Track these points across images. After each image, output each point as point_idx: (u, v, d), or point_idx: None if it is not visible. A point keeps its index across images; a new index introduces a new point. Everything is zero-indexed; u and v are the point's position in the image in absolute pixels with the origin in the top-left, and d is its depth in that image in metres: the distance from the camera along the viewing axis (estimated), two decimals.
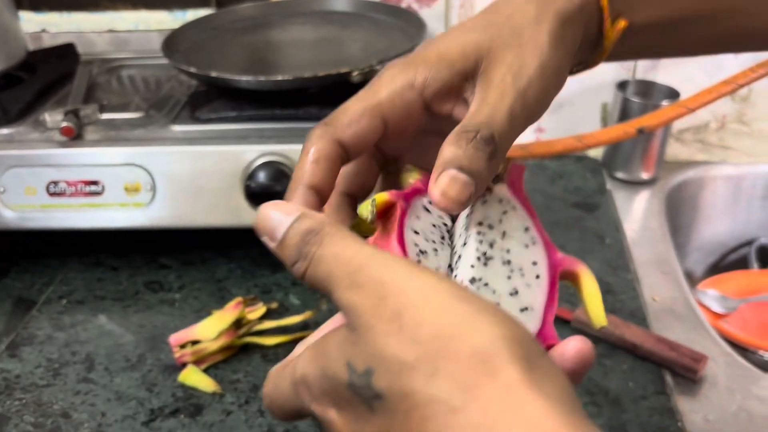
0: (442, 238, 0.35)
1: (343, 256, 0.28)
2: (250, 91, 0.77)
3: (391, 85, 0.36)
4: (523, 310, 0.33)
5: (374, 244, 0.33)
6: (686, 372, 0.64)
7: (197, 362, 0.65)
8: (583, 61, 0.42)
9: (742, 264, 1.03)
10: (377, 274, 0.27)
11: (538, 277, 0.34)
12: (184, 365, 0.65)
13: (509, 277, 0.33)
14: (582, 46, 0.39)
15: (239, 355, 0.67)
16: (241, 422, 0.60)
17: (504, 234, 0.34)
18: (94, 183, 0.74)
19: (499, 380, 0.23)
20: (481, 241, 0.34)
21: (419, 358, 0.24)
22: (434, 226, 0.36)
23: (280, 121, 0.77)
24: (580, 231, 0.85)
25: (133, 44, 1.04)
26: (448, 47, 0.36)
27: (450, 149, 0.32)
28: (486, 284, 0.32)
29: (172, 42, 0.87)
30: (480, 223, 0.34)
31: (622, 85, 0.94)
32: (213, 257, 0.81)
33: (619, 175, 0.95)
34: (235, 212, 0.74)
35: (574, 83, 0.51)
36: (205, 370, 0.65)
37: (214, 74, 0.76)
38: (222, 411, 0.61)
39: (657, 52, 0.49)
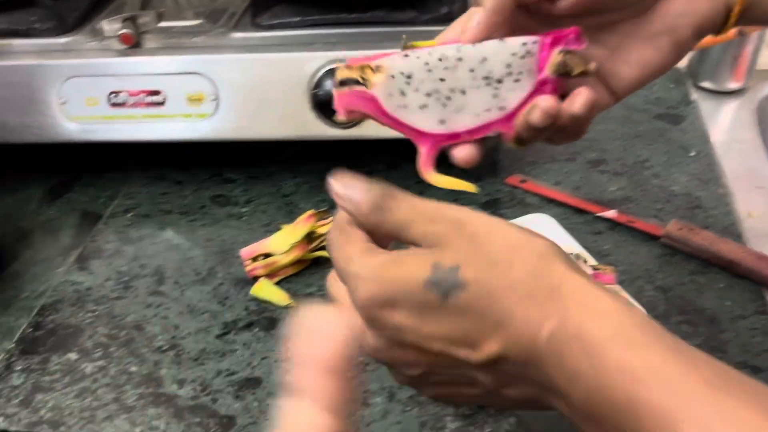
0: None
1: (418, 204, 0.33)
2: None
3: None
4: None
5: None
6: None
7: (269, 276, 0.63)
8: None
9: None
10: (450, 212, 0.32)
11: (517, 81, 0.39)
12: (255, 279, 0.63)
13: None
14: None
15: (311, 269, 0.65)
16: None
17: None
18: (156, 93, 0.71)
19: (558, 271, 0.30)
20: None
21: (499, 258, 0.30)
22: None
23: (346, 26, 0.72)
24: (665, 143, 0.79)
25: None
26: None
27: None
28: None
29: None
30: None
31: None
32: (279, 171, 0.78)
33: (706, 84, 0.88)
34: (301, 123, 0.70)
35: None
36: (277, 284, 0.63)
37: None
38: None
39: None
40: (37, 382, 0.56)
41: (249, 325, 0.60)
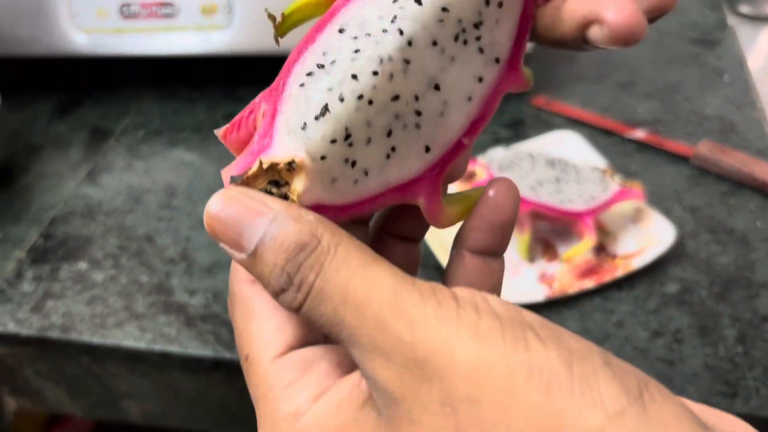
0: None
1: (358, 294, 0.18)
2: None
3: None
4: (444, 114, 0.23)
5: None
6: None
7: None
8: None
9: None
10: (420, 336, 0.17)
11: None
12: None
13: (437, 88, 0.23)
14: None
15: None
16: None
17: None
18: (168, 4, 0.69)
19: None
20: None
21: None
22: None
23: None
24: (698, 68, 0.76)
25: None
26: None
27: None
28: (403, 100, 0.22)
29: None
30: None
31: None
32: None
33: (743, 9, 0.84)
34: None
35: None
36: None
37: None
38: None
39: None
40: (48, 290, 0.55)
41: None
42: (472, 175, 0.57)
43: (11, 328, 0.53)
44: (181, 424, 0.59)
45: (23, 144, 0.71)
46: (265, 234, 0.19)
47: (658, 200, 0.59)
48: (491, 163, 0.57)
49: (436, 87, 0.23)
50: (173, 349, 0.51)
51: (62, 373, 0.57)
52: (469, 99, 0.23)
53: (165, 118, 0.74)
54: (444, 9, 0.22)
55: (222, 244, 0.20)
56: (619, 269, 0.52)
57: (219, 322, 0.52)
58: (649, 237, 0.54)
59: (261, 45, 0.69)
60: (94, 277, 0.56)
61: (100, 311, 0.53)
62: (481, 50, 0.23)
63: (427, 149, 0.23)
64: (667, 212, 0.57)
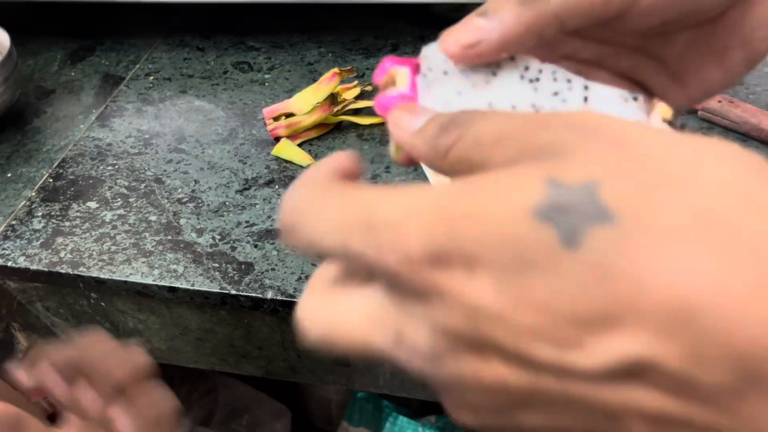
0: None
1: (503, 120, 0.19)
2: None
3: None
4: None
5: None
6: None
7: (291, 137, 0.62)
8: None
9: None
10: (576, 117, 0.18)
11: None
12: (277, 139, 0.62)
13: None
14: None
15: (334, 133, 0.64)
16: None
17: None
18: None
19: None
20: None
21: (677, 173, 0.16)
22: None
23: None
24: None
25: None
26: None
27: None
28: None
29: None
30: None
31: None
32: (302, 41, 0.76)
33: None
34: None
35: None
36: (300, 146, 0.62)
37: None
38: None
39: None
40: (57, 227, 0.56)
41: (269, 182, 0.59)
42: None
43: (21, 262, 0.54)
44: (188, 361, 0.60)
45: (35, 88, 0.72)
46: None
47: None
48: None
49: None
50: (180, 284, 0.52)
51: (71, 310, 0.58)
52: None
53: (175, 66, 0.74)
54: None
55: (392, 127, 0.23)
56: None
57: (226, 259, 0.52)
58: None
59: None
60: (103, 216, 0.57)
61: (109, 248, 0.54)
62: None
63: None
64: None
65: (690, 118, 0.62)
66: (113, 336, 0.59)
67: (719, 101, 0.61)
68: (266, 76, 0.71)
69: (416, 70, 0.25)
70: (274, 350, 0.56)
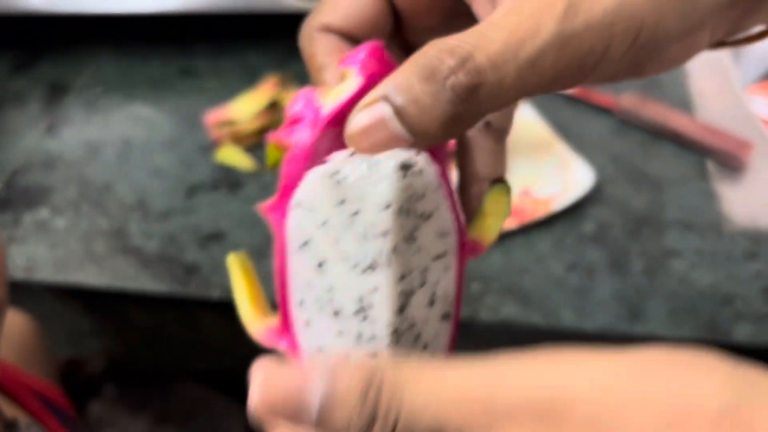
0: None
1: (451, 390, 0.18)
2: None
3: None
4: (445, 317, 0.25)
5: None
6: (730, 159, 0.62)
7: (235, 142, 0.65)
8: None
9: None
10: (534, 384, 0.18)
11: (446, 268, 0.25)
12: (220, 144, 0.65)
13: (431, 303, 0.24)
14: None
15: None
16: None
17: (419, 247, 0.23)
18: None
19: None
20: (399, 264, 0.22)
21: None
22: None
23: None
24: None
25: None
26: None
27: (408, 71, 0.20)
28: (412, 325, 0.23)
29: None
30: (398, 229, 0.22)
31: None
32: (247, 46, 0.79)
33: None
34: None
35: None
36: (244, 151, 0.65)
37: None
38: (261, 186, 0.62)
39: None
40: (11, 236, 0.59)
41: (214, 187, 0.62)
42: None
43: None
44: (141, 359, 0.63)
45: None
46: (327, 393, 0.19)
47: (583, 149, 0.64)
48: None
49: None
50: (131, 285, 0.55)
51: (29, 312, 0.61)
52: (418, 336, 0.24)
53: (121, 74, 0.76)
54: (425, 271, 0.23)
55: (279, 422, 0.20)
56: (540, 210, 0.57)
57: (173, 262, 0.56)
58: (570, 182, 0.59)
59: (215, 3, 0.72)
60: (56, 224, 0.60)
61: (62, 255, 0.57)
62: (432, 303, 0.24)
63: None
64: (590, 160, 0.63)
65: (607, 118, 0.67)
66: (69, 336, 0.62)
67: (632, 102, 0.66)
68: (210, 83, 0.74)
69: (365, 67, 0.23)
70: (224, 347, 0.60)
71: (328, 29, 0.25)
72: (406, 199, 0.21)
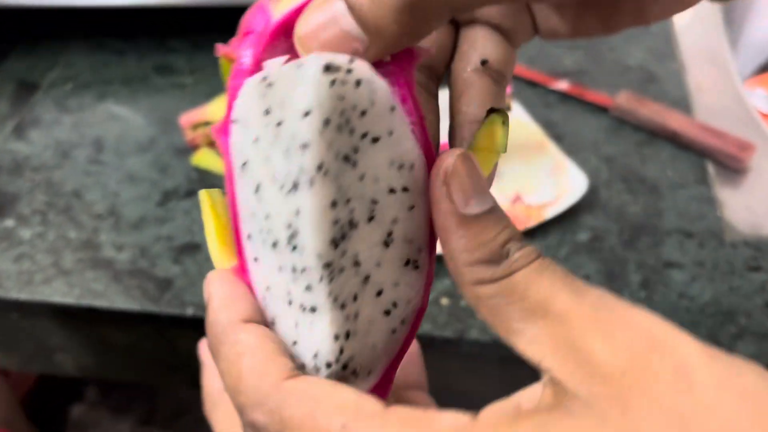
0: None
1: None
2: None
3: None
4: (408, 264, 0.22)
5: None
6: (730, 161, 0.59)
7: (211, 145, 0.62)
8: None
9: None
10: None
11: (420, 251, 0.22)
12: (197, 148, 0.62)
13: (385, 244, 0.21)
14: None
15: None
16: None
17: (363, 174, 0.20)
18: None
19: None
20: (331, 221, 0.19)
21: None
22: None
23: None
24: None
25: None
26: None
27: None
28: (355, 264, 0.21)
29: None
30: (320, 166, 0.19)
31: None
32: (226, 40, 0.75)
33: None
34: None
35: None
36: (220, 154, 0.62)
37: None
38: None
39: None
40: None
41: (189, 194, 0.59)
42: None
43: None
44: (116, 375, 0.60)
45: None
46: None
47: (576, 151, 0.61)
48: None
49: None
50: (101, 303, 0.52)
51: None
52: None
53: (94, 70, 0.73)
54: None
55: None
56: (533, 219, 0.54)
57: (145, 277, 0.53)
58: (563, 187, 0.56)
59: None
60: (22, 234, 0.56)
61: (28, 268, 0.54)
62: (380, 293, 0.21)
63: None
64: (584, 162, 0.60)
65: (602, 116, 0.64)
66: (39, 352, 0.59)
67: (628, 100, 0.63)
68: (187, 80, 0.71)
69: None
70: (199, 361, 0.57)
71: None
72: (337, 112, 0.18)
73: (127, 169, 0.62)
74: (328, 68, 0.18)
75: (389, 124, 0.20)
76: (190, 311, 0.50)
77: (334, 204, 0.19)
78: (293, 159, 0.19)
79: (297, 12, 0.20)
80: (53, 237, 0.56)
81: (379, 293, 0.21)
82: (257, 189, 0.20)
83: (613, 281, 0.52)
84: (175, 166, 0.61)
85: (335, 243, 0.19)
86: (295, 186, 0.19)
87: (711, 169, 0.60)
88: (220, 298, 0.21)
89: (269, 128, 0.19)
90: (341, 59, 0.18)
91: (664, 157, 0.61)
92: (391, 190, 0.20)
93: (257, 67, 0.20)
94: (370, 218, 0.20)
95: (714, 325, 0.49)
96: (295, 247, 0.20)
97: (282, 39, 0.21)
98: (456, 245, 0.19)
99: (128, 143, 0.64)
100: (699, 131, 0.60)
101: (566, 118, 0.64)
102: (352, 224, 0.20)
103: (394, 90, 0.20)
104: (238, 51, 0.21)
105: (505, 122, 0.22)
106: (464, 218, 0.19)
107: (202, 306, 0.50)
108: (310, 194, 0.19)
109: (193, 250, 0.54)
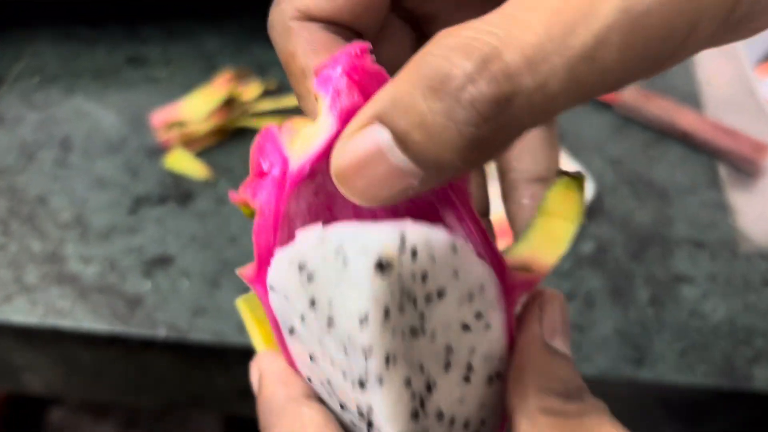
0: None
1: None
2: None
3: None
4: (492, 379, 0.19)
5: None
6: (743, 163, 0.55)
7: (186, 146, 0.57)
8: None
9: None
10: None
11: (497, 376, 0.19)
12: (170, 149, 0.57)
13: (466, 379, 0.18)
14: None
15: (233, 140, 0.59)
16: (235, 210, 0.53)
17: (433, 333, 0.17)
18: None
19: None
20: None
21: None
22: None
23: None
24: None
25: None
26: None
27: (409, 80, 0.15)
28: (439, 415, 0.18)
29: None
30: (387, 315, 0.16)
31: None
32: (202, 29, 0.70)
33: None
34: None
35: None
36: (197, 156, 0.57)
37: None
38: (215, 199, 0.55)
39: None
40: None
41: (162, 200, 0.55)
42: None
43: None
44: (84, 395, 0.57)
45: None
46: None
47: (580, 151, 0.57)
48: None
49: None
50: (66, 323, 0.48)
51: None
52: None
53: (62, 62, 0.68)
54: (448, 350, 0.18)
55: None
56: None
57: (114, 293, 0.49)
58: None
59: None
60: None
61: None
62: (467, 379, 0.18)
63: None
64: (588, 164, 0.56)
65: (607, 113, 0.60)
66: (4, 371, 0.55)
67: (635, 96, 0.59)
68: (162, 73, 0.66)
69: (340, 92, 0.17)
70: (173, 383, 0.53)
71: (308, 16, 0.19)
72: (396, 297, 0.15)
73: (96, 172, 0.57)
74: (381, 267, 0.15)
75: (453, 267, 0.17)
76: (162, 332, 0.47)
77: (408, 382, 0.16)
78: (355, 359, 0.16)
79: (320, 157, 0.17)
80: (15, 249, 0.52)
81: (466, 425, 0.19)
82: (311, 357, 0.19)
83: (620, 297, 0.48)
84: (146, 169, 0.57)
85: (415, 415, 0.17)
86: (361, 383, 0.16)
87: (723, 172, 0.56)
88: (275, 373, 0.20)
89: (319, 321, 0.17)
90: (391, 247, 0.15)
91: (673, 158, 0.57)
92: (465, 327, 0.18)
93: (280, 218, 0.18)
94: (447, 366, 0.18)
95: (727, 348, 0.45)
96: (370, 426, 0.17)
97: (307, 182, 0.18)
98: (533, 368, 0.18)
99: (98, 143, 0.60)
100: (710, 130, 0.56)
101: (568, 116, 0.60)
102: (429, 387, 0.17)
103: (449, 219, 0.17)
104: (255, 198, 0.18)
105: (581, 185, 0.19)
106: (549, 347, 0.18)
107: (174, 326, 0.47)
108: (380, 392, 0.16)
109: (165, 263, 0.50)
